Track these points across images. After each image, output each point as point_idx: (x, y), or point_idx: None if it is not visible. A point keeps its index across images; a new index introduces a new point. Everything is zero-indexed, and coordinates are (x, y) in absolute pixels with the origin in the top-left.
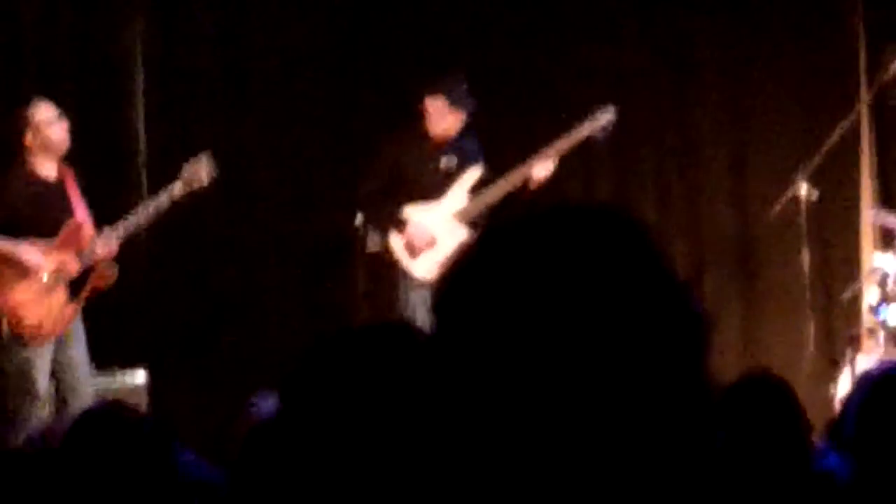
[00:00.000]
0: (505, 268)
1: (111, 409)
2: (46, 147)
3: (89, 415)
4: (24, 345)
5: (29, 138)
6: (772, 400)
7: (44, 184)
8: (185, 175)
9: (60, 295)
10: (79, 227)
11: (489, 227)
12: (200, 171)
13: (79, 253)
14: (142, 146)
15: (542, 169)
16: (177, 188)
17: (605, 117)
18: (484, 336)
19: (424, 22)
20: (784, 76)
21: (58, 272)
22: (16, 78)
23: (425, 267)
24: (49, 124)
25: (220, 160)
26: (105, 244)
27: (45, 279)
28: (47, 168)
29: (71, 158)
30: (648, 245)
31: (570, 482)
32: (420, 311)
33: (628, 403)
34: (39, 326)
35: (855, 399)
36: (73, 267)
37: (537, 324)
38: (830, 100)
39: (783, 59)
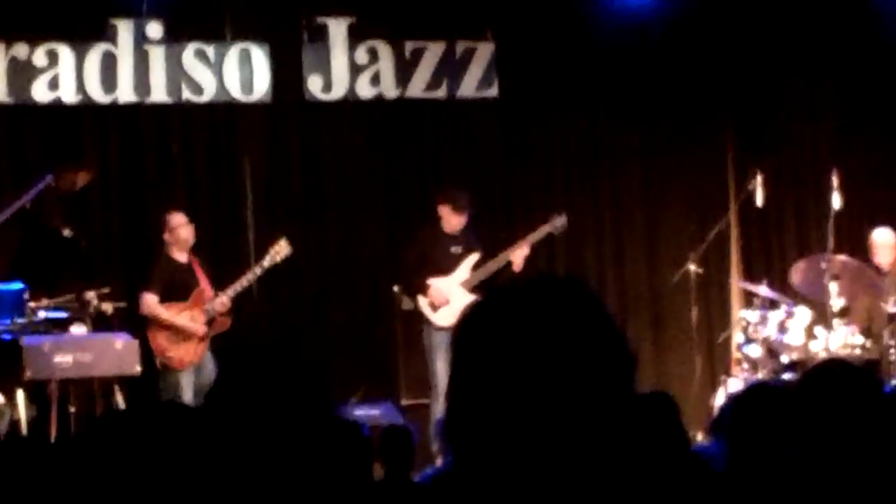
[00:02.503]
0: (497, 318)
1: None
2: (178, 242)
3: None
4: (174, 371)
5: (167, 236)
6: (663, 407)
7: (179, 265)
8: (270, 254)
9: (195, 337)
10: (203, 293)
11: (487, 292)
12: (280, 250)
13: (203, 309)
14: (251, 237)
15: (520, 253)
16: (265, 262)
17: (560, 220)
18: (486, 360)
19: (441, 154)
20: (681, 191)
21: (190, 322)
22: (168, 191)
23: (443, 318)
24: (180, 227)
25: (301, 248)
26: (221, 302)
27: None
28: (180, 255)
29: (205, 245)
30: (596, 302)
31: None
32: (440, 349)
33: (586, 403)
34: (182, 359)
35: (729, 403)
36: (201, 318)
37: (522, 354)
38: (712, 206)
39: (683, 182)
